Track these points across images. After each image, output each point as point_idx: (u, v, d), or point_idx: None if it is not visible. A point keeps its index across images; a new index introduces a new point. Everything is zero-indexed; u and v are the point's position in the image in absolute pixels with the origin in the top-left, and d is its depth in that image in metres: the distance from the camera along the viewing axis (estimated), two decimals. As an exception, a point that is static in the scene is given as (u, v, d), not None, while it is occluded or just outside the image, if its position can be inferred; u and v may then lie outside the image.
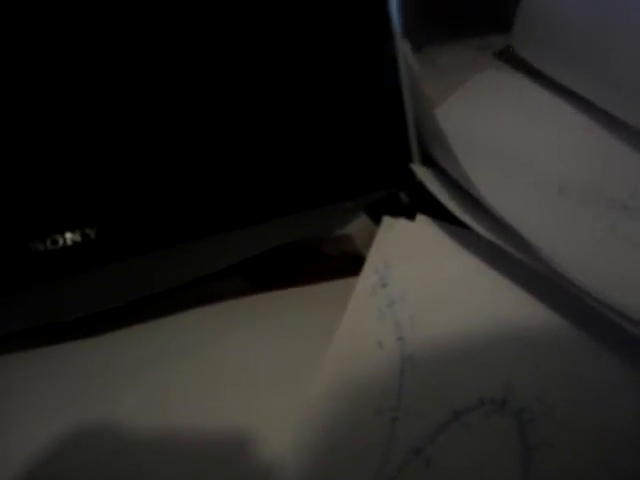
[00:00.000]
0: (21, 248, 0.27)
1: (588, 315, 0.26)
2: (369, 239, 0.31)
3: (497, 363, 0.26)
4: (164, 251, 0.29)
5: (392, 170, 0.31)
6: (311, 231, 0.32)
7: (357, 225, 0.33)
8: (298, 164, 0.29)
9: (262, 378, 0.29)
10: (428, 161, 0.32)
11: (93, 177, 0.27)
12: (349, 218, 0.32)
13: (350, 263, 0.33)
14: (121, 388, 0.29)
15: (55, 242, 0.27)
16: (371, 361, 0.27)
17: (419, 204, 0.32)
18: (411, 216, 0.31)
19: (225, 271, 0.33)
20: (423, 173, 0.31)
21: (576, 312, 0.27)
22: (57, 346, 0.31)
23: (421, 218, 0.31)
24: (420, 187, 0.31)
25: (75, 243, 0.27)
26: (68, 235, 0.27)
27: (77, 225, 0.27)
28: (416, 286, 0.29)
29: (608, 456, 0.24)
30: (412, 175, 0.30)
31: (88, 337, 0.31)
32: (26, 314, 0.31)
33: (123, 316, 0.32)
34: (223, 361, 0.30)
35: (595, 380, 0.25)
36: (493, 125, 0.36)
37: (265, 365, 0.29)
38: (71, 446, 0.27)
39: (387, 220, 0.31)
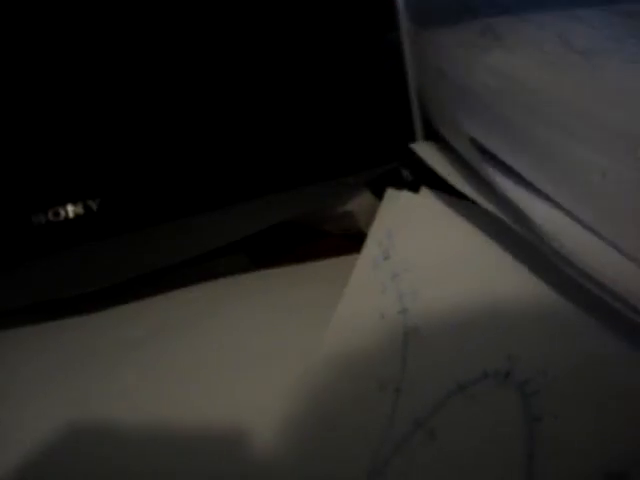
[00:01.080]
0: (23, 220, 0.27)
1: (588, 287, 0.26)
2: (371, 216, 0.31)
3: (501, 336, 0.26)
4: (165, 227, 0.29)
5: (394, 145, 0.31)
6: (313, 207, 0.32)
7: (359, 202, 0.33)
8: (300, 139, 0.29)
9: (263, 354, 0.29)
10: (432, 135, 0.32)
11: (95, 149, 0.27)
12: (351, 195, 0.32)
13: (352, 240, 0.33)
14: (120, 363, 0.29)
15: (57, 214, 0.27)
16: (374, 333, 0.27)
17: (422, 180, 0.32)
18: (415, 190, 0.31)
19: (227, 248, 0.33)
20: (424, 151, 0.31)
21: (580, 285, 0.27)
22: (56, 322, 0.31)
23: (425, 190, 0.31)
24: (422, 163, 0.31)
25: (77, 215, 0.27)
26: (70, 207, 0.27)
27: (79, 197, 0.27)
28: (419, 258, 0.29)
29: (612, 426, 0.24)
30: (413, 151, 0.30)
31: (88, 313, 0.31)
32: (28, 290, 0.31)
33: (123, 293, 0.32)
34: (223, 337, 0.30)
35: (598, 352, 0.25)
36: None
37: (266, 341, 0.29)
38: (68, 421, 0.27)
39: (390, 192, 0.31)
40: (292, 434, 0.25)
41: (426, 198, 0.31)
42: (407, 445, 0.24)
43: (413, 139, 0.31)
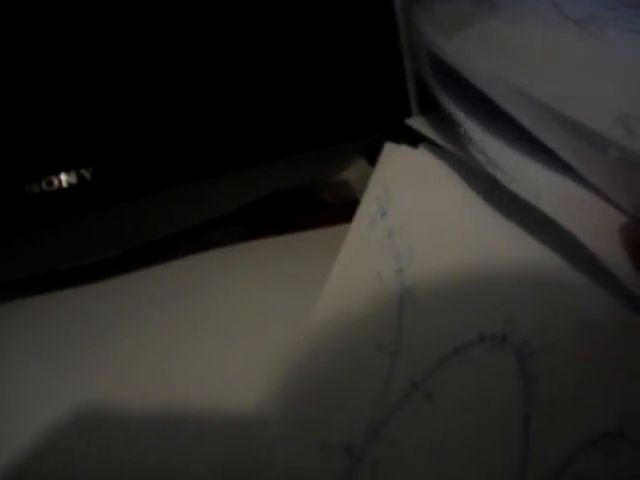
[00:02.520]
0: (16, 190, 0.27)
1: (586, 252, 0.26)
2: (367, 184, 0.31)
3: (497, 299, 0.26)
4: (160, 197, 0.29)
5: (388, 112, 0.30)
6: (308, 176, 0.32)
7: (355, 170, 0.33)
8: (294, 106, 0.29)
9: (258, 322, 0.29)
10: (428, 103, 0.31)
11: (88, 115, 0.27)
12: (347, 163, 0.32)
13: (348, 209, 0.32)
14: (116, 332, 0.29)
15: (50, 183, 0.27)
16: (370, 294, 0.27)
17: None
18: (414, 145, 0.31)
19: (222, 219, 0.33)
20: (419, 123, 0.31)
21: (576, 248, 0.27)
22: (53, 293, 0.31)
23: (425, 145, 0.30)
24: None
25: (71, 185, 0.27)
26: (63, 176, 0.27)
27: (72, 165, 0.27)
28: (416, 216, 0.28)
29: (608, 386, 0.24)
30: (408, 116, 0.30)
31: (84, 284, 0.31)
32: (23, 262, 0.31)
33: (118, 264, 0.32)
34: (218, 306, 0.30)
35: (594, 315, 0.25)
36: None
37: (261, 309, 0.29)
38: (67, 389, 0.27)
39: (389, 146, 0.30)
40: (288, 398, 0.25)
41: (425, 153, 0.30)
42: (404, 406, 0.24)
43: (407, 106, 0.30)
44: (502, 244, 0.28)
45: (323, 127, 0.30)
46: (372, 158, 0.32)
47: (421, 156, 0.30)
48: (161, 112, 0.27)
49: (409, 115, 0.30)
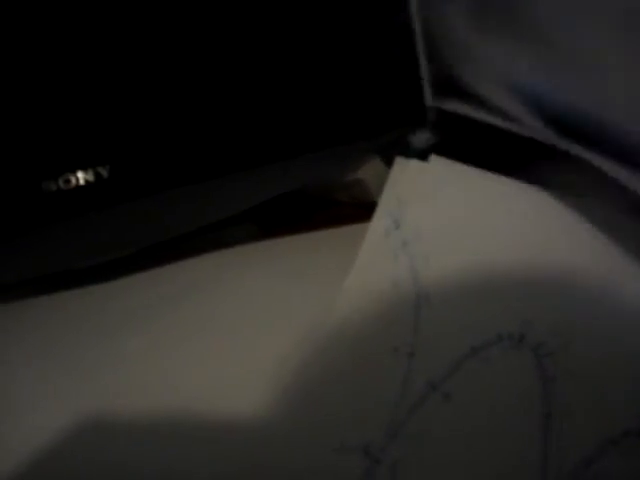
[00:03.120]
0: (33, 188, 0.26)
1: (604, 251, 0.26)
2: (382, 184, 0.31)
3: (514, 300, 0.26)
4: (175, 195, 0.29)
5: (403, 110, 0.30)
6: (322, 175, 0.32)
7: (369, 169, 0.33)
8: (308, 105, 0.29)
9: (271, 322, 0.29)
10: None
11: (105, 113, 0.27)
12: (361, 162, 0.32)
13: (362, 209, 0.32)
14: (126, 331, 0.29)
15: (67, 181, 0.27)
16: (386, 300, 0.27)
17: (432, 148, 0.32)
18: (424, 159, 0.31)
19: (236, 218, 0.33)
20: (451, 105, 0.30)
21: (592, 249, 0.27)
22: (61, 293, 0.31)
23: (434, 158, 0.31)
24: (433, 130, 0.31)
25: (88, 182, 0.27)
26: (80, 174, 0.27)
27: (89, 164, 0.27)
28: (431, 225, 0.29)
29: (627, 385, 0.24)
30: (424, 115, 0.30)
31: (94, 284, 0.31)
32: (38, 261, 0.31)
33: (131, 263, 0.32)
34: (229, 306, 0.30)
35: (612, 314, 0.25)
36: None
37: (275, 309, 0.29)
38: (73, 389, 0.27)
39: (400, 161, 0.31)
40: (306, 399, 0.25)
41: (436, 166, 0.31)
42: (422, 407, 0.24)
43: (422, 103, 0.30)
44: (518, 247, 0.28)
45: (338, 125, 0.29)
46: (387, 157, 0.32)
47: (432, 169, 0.31)
48: (177, 109, 0.27)
49: (424, 111, 0.30)
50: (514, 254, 0.28)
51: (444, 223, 0.29)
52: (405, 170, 0.31)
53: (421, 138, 0.32)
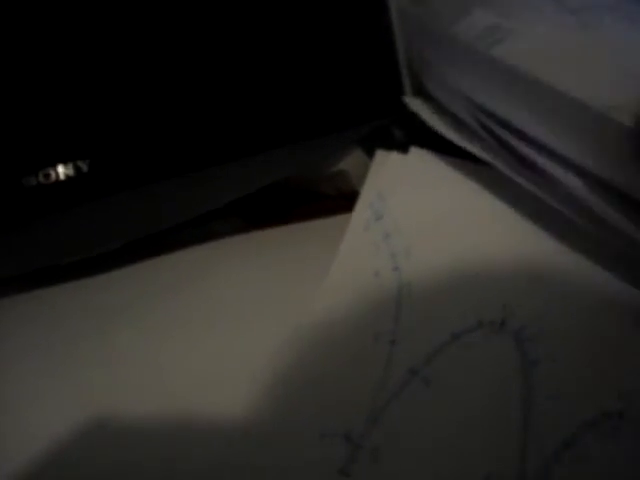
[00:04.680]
0: (14, 183, 0.27)
1: (584, 237, 0.26)
2: (364, 175, 0.31)
3: (495, 287, 0.26)
4: (157, 188, 0.29)
5: (383, 101, 0.30)
6: (305, 166, 0.32)
7: (352, 161, 0.33)
8: (289, 96, 0.29)
9: (257, 312, 0.29)
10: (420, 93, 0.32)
11: (84, 107, 0.27)
12: (343, 154, 0.32)
13: (346, 200, 0.32)
14: (115, 324, 0.29)
15: (47, 176, 0.27)
16: (368, 290, 0.27)
17: (413, 139, 0.32)
18: (405, 151, 0.31)
19: (221, 211, 0.33)
20: (416, 104, 0.31)
21: (573, 235, 0.27)
22: (51, 288, 0.31)
23: (414, 150, 0.31)
24: (412, 122, 0.31)
25: (68, 177, 0.27)
26: (60, 169, 0.27)
27: (69, 158, 0.27)
28: (411, 217, 0.29)
29: (607, 367, 0.24)
30: (404, 106, 0.30)
31: (83, 278, 0.31)
32: (23, 257, 0.31)
33: (118, 257, 0.32)
34: (216, 297, 0.30)
35: (592, 297, 0.25)
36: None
37: (260, 299, 0.29)
38: (66, 379, 0.27)
39: (380, 153, 0.31)
40: (289, 386, 0.25)
41: (416, 158, 0.31)
42: (403, 393, 0.24)
43: (402, 95, 0.31)
44: (498, 235, 0.28)
45: (317, 117, 0.30)
46: (369, 149, 0.32)
47: (412, 160, 0.31)
48: (158, 103, 0.28)
49: (402, 103, 0.30)
50: (494, 242, 0.28)
51: (425, 214, 0.29)
52: (385, 162, 0.31)
53: (402, 130, 0.32)
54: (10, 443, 0.26)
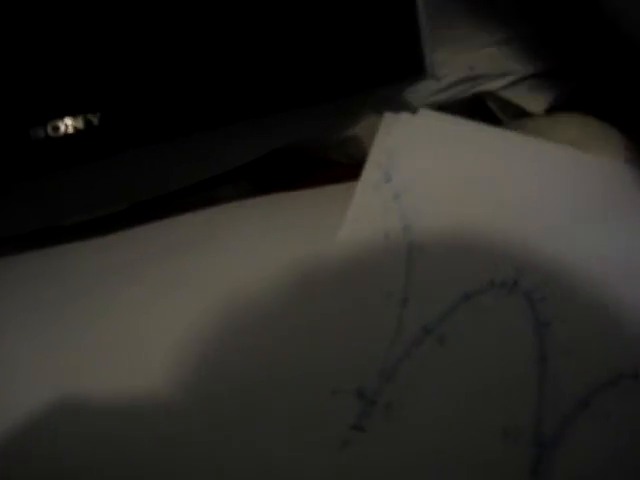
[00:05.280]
0: (20, 134, 0.26)
1: (596, 199, 0.26)
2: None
3: (507, 247, 0.26)
4: (167, 147, 0.28)
5: (400, 63, 0.30)
6: (319, 131, 0.32)
7: (364, 126, 0.32)
8: (300, 57, 0.29)
9: (265, 276, 0.28)
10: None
11: (96, 56, 0.26)
12: (357, 119, 0.32)
13: (357, 168, 0.32)
14: (119, 284, 0.28)
15: (56, 129, 0.26)
16: (378, 250, 0.27)
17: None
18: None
19: (230, 176, 0.32)
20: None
21: (584, 197, 0.26)
22: (56, 247, 0.31)
23: (423, 111, 0.31)
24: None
25: (78, 130, 0.26)
26: (70, 121, 0.26)
27: (79, 110, 0.26)
28: (421, 177, 0.29)
29: (622, 328, 0.23)
30: (421, 68, 0.30)
31: (88, 238, 0.31)
32: (26, 215, 0.31)
33: (123, 219, 0.31)
34: (224, 260, 0.29)
35: (604, 259, 0.25)
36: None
37: (269, 261, 0.29)
38: (69, 337, 0.27)
39: (388, 115, 0.31)
40: (301, 344, 0.25)
41: (425, 118, 0.31)
42: (416, 351, 0.24)
43: (421, 59, 0.30)
44: (508, 195, 0.28)
45: (329, 80, 0.29)
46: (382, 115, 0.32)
47: (421, 121, 0.30)
48: (171, 57, 0.27)
49: (423, 66, 0.30)
50: (505, 203, 0.27)
51: (435, 174, 0.29)
52: (394, 123, 0.30)
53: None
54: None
